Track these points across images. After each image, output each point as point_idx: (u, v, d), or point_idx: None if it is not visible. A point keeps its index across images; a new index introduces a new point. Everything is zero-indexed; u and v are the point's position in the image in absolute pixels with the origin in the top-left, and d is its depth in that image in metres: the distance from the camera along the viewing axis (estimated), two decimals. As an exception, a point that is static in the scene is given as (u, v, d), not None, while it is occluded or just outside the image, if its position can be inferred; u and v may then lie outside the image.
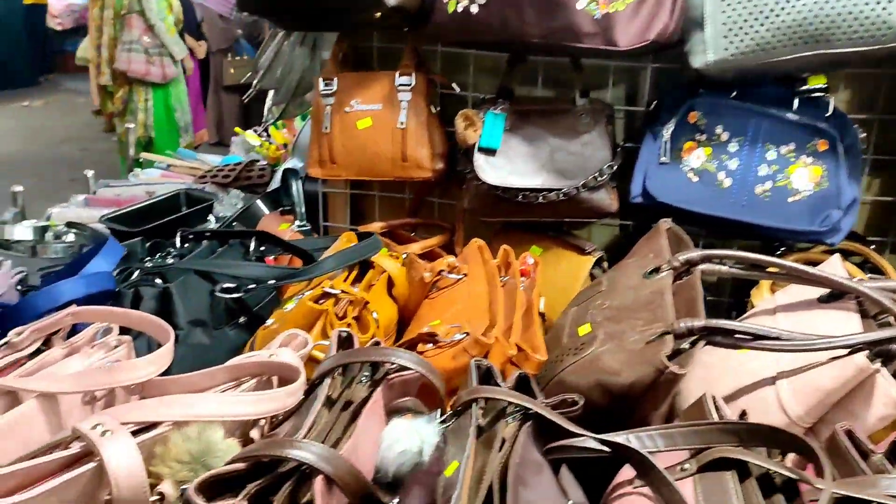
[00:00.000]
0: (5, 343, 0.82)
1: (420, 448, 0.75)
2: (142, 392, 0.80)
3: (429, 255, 1.36)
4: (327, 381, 0.79)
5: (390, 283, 1.16)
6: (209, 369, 0.78)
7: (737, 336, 0.85)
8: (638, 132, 1.34)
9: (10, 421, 0.73)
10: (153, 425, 0.67)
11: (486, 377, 0.84)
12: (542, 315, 1.11)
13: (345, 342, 0.88)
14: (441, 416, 0.79)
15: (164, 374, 0.87)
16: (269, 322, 1.02)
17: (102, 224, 1.73)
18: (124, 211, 1.79)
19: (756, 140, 1.19)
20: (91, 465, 0.59)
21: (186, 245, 1.21)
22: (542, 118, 1.28)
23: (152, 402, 0.66)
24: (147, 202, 1.84)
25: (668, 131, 1.23)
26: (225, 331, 1.03)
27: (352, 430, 0.73)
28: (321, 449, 0.63)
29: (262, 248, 1.20)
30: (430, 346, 1.00)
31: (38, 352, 0.86)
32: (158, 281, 1.00)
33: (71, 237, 1.76)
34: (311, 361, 0.92)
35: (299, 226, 1.42)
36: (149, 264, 1.31)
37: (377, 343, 0.87)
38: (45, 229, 1.78)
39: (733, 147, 1.20)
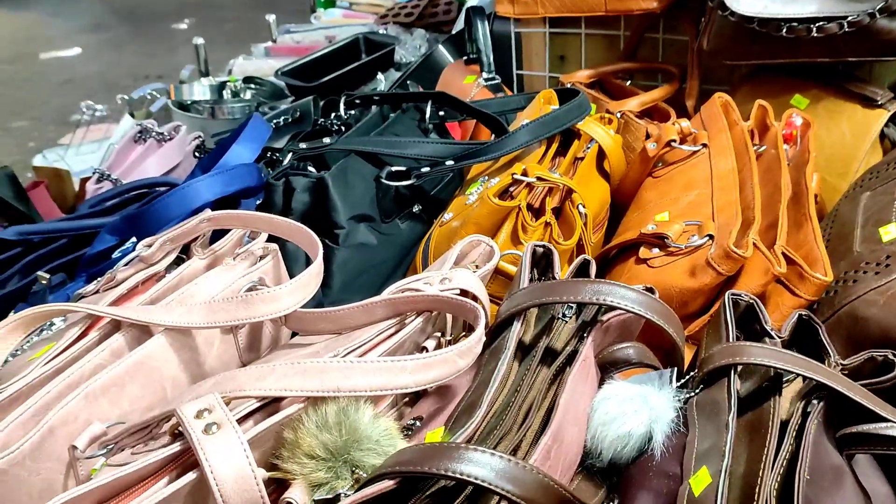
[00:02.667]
0: (136, 257, 0.68)
1: (648, 429, 0.53)
2: (285, 322, 0.64)
3: (651, 113, 1.07)
4: (517, 325, 0.57)
5: (601, 155, 0.89)
6: (367, 302, 0.60)
7: None
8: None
9: (136, 361, 0.60)
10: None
11: (747, 319, 0.58)
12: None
13: (541, 261, 0.65)
14: (678, 377, 0.56)
15: (323, 284, 0.71)
16: (446, 216, 0.81)
17: (278, 79, 1.59)
18: (301, 62, 1.63)
19: None
20: (191, 477, 0.44)
21: (353, 112, 1.01)
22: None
23: (284, 369, 0.48)
24: (325, 50, 1.67)
25: None
26: (395, 223, 0.84)
27: (555, 398, 0.52)
28: (503, 463, 0.43)
29: (442, 113, 0.97)
30: (655, 251, 0.74)
31: (179, 261, 0.72)
32: (312, 169, 0.81)
33: (248, 94, 1.64)
34: (498, 274, 0.71)
35: (487, 79, 1.16)
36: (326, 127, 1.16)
37: (585, 266, 0.63)
38: (223, 86, 1.67)
39: None
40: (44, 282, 0.75)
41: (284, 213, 0.81)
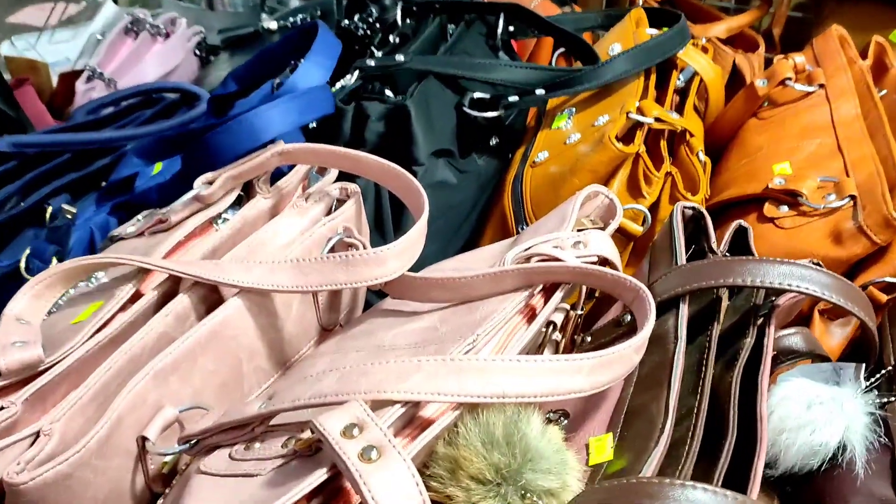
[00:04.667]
0: (193, 196, 0.56)
1: (842, 439, 0.45)
2: (385, 286, 0.53)
3: (733, 41, 0.96)
4: (684, 308, 0.48)
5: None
6: (496, 270, 0.49)
7: None
8: None
9: (209, 330, 0.49)
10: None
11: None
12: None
13: (688, 225, 0.55)
14: (869, 373, 0.48)
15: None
16: (540, 155, 0.69)
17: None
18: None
19: None
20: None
21: (408, 21, 0.87)
22: None
23: (432, 367, 0.38)
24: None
25: None
26: (473, 159, 0.72)
27: (754, 406, 0.43)
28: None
29: (512, 29, 0.84)
30: (784, 209, 0.65)
31: (238, 201, 0.61)
32: (389, 93, 0.68)
33: (251, -17, 1.45)
34: (618, 234, 0.62)
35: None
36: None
37: (743, 233, 0.53)
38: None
39: None
40: (68, 216, 0.63)
41: (354, 144, 0.68)
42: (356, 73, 0.72)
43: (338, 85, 0.90)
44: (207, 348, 0.49)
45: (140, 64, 1.14)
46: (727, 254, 0.53)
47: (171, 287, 0.52)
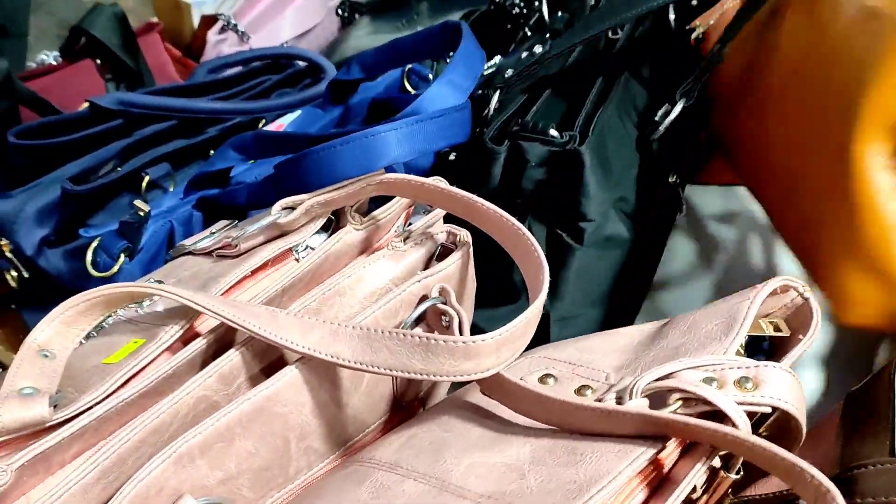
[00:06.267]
0: (270, 223, 0.47)
1: None
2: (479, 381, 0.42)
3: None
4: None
5: None
6: (613, 409, 0.37)
7: None
8: None
9: (255, 406, 0.40)
10: None
11: None
12: None
13: None
14: None
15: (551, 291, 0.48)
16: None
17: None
18: None
19: None
20: None
21: (560, 13, 0.72)
22: None
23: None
24: None
25: None
26: (646, 205, 0.58)
27: None
28: None
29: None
30: None
31: (327, 226, 0.51)
32: (554, 132, 0.53)
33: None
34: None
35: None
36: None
37: None
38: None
39: None
40: (141, 213, 0.55)
41: (506, 193, 0.56)
42: (496, 95, 0.58)
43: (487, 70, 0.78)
44: (250, 428, 0.40)
45: (277, 19, 1.06)
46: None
47: (228, 333, 0.44)
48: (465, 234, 0.49)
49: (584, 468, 0.35)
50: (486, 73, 0.82)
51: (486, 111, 0.57)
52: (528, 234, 0.43)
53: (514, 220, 0.44)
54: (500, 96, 0.57)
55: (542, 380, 0.43)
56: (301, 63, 0.91)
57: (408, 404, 0.49)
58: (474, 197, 0.46)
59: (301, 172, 0.47)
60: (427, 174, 0.59)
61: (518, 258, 0.45)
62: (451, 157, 0.62)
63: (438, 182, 0.47)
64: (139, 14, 1.09)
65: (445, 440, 0.40)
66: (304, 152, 0.47)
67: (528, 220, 0.56)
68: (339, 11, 1.13)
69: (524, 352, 0.43)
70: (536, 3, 1.06)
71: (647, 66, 0.62)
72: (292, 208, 0.47)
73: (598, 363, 0.43)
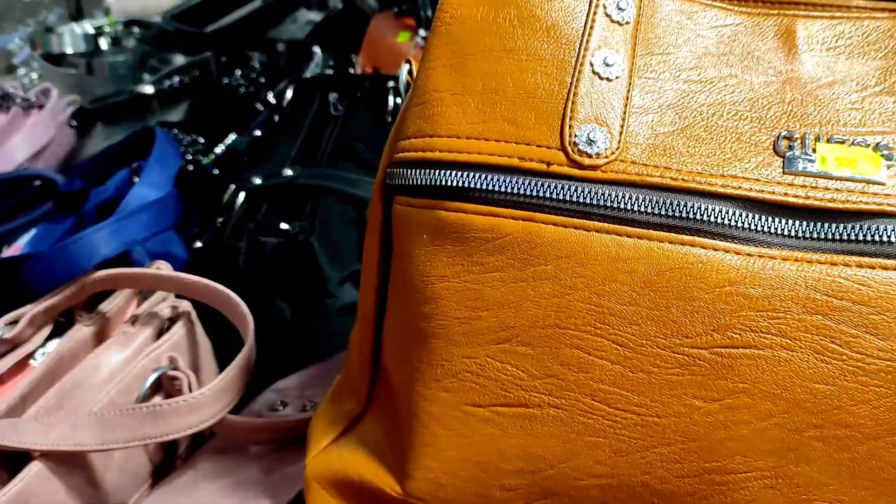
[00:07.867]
0: (-3, 339, 0.51)
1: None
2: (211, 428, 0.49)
3: None
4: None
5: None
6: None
7: None
8: None
9: (6, 502, 0.44)
10: None
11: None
12: None
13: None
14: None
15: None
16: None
17: (167, 25, 1.34)
18: (194, 2, 1.39)
19: None
20: None
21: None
22: None
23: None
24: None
25: None
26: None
27: None
28: None
29: (399, 101, 0.79)
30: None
31: (58, 328, 0.55)
32: (284, 225, 0.59)
33: (131, 42, 1.39)
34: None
35: (424, 37, 0.98)
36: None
37: None
38: (99, 32, 1.41)
39: None
40: None
41: (253, 281, 0.60)
42: (240, 196, 0.64)
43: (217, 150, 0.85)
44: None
45: (9, 143, 1.07)
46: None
47: (-30, 449, 0.47)
48: (185, 305, 0.55)
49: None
50: (218, 151, 0.89)
51: (232, 211, 0.64)
52: (234, 294, 0.51)
53: (221, 287, 0.52)
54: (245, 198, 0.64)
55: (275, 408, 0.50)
56: (37, 183, 0.93)
57: (172, 467, 0.54)
58: (182, 275, 0.53)
59: (22, 283, 0.52)
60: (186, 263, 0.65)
61: (230, 316, 0.52)
62: (197, 244, 0.67)
63: (158, 268, 0.54)
64: None
65: (194, 480, 0.47)
66: (18, 267, 0.51)
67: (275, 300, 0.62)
68: (72, 123, 1.15)
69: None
70: (261, 80, 1.15)
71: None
72: (15, 322, 0.51)
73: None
